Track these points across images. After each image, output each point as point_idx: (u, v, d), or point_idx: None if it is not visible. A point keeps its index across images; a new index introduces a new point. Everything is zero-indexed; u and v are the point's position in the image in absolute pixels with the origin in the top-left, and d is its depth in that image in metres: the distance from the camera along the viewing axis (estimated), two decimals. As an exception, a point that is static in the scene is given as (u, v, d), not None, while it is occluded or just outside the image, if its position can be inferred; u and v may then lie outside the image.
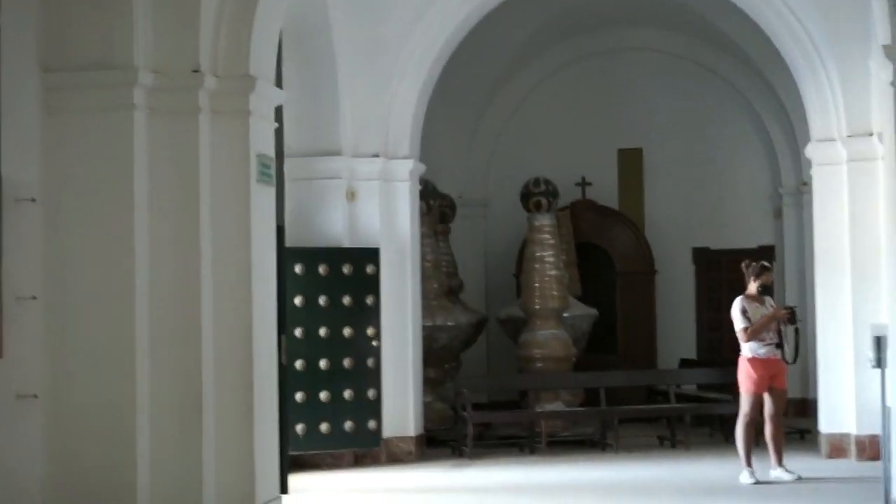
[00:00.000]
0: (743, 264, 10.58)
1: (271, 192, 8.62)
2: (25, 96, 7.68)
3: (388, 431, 11.66)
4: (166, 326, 7.96)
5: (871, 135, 11.03)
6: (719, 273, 15.22)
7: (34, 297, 7.63)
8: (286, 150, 11.28)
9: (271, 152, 8.61)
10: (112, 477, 7.78)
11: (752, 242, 15.16)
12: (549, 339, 13.06)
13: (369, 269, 11.47)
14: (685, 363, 14.60)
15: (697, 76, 15.56)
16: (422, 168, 12.34)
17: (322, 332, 11.24)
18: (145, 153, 7.95)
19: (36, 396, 7.61)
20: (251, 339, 8.21)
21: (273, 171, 8.62)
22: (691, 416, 12.76)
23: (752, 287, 10.36)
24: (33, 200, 7.65)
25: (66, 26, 7.85)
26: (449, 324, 13.11)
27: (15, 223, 7.48)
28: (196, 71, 8.05)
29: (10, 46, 7.38)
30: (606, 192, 15.48)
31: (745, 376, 10.24)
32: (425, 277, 12.67)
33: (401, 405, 11.81)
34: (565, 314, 13.33)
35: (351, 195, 11.72)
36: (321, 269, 11.28)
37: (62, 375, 7.77)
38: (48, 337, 7.75)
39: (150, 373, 7.90)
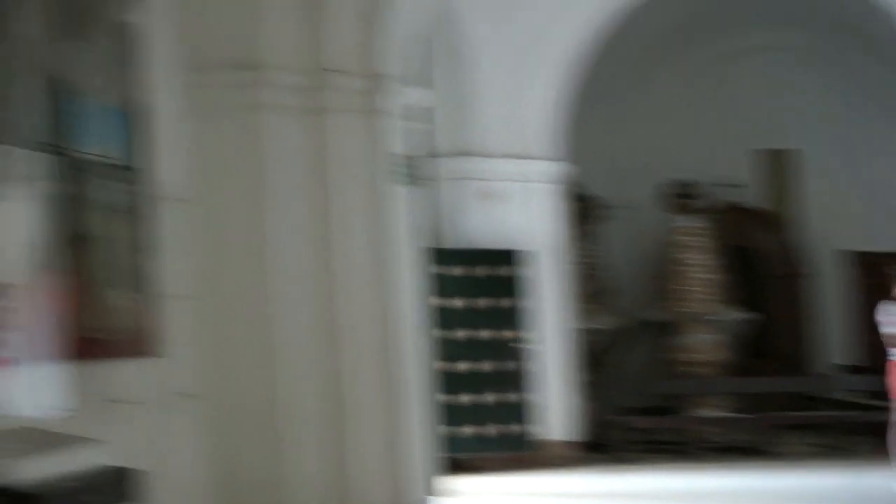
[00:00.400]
0: (892, 269, 10.35)
1: (407, 191, 8.65)
2: (172, 96, 7.80)
3: (543, 435, 11.62)
4: (305, 326, 7.99)
5: None
6: (873, 277, 14.83)
7: (187, 296, 7.76)
8: (428, 149, 11.36)
9: (406, 151, 8.65)
10: (262, 476, 7.85)
11: (908, 245, 14.80)
12: (701, 344, 12.92)
13: (515, 270, 11.44)
14: (840, 368, 14.28)
15: (844, 75, 15.21)
16: (567, 169, 12.29)
17: (468, 333, 11.26)
18: (278, 152, 7.97)
19: (193, 395, 7.73)
20: (390, 340, 8.21)
21: (408, 171, 8.65)
22: (851, 423, 12.49)
23: (899, 292, 10.13)
24: (181, 200, 7.79)
25: (204, 25, 7.90)
26: (595, 327, 13.05)
27: (167, 222, 7.62)
28: (328, 70, 8.07)
29: (156, 47, 7.51)
30: (754, 193, 15.23)
31: (896, 382, 10.01)
32: (570, 280, 12.62)
33: (556, 409, 11.76)
34: (716, 318, 13.16)
35: (492, 196, 11.75)
36: (465, 271, 11.29)
37: (215, 374, 7.76)
38: (201, 336, 7.87)
39: (293, 373, 7.92)
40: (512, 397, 11.34)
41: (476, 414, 11.21)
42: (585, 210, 13.67)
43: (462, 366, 11.23)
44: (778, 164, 15.45)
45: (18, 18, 6.28)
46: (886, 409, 10.77)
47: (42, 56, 6.46)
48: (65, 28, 6.64)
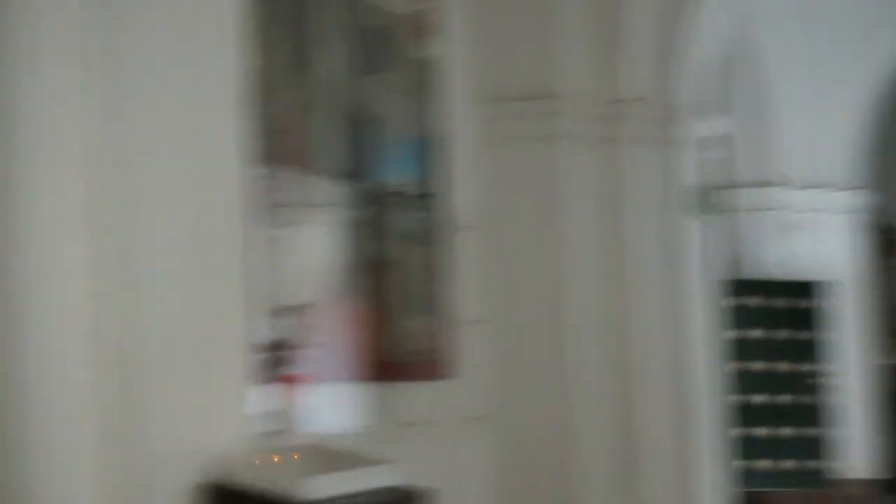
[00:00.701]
0: None
1: (703, 222, 8.56)
2: (467, 126, 7.95)
3: (843, 472, 11.26)
4: (597, 354, 7.95)
5: None
6: None
7: (480, 322, 7.89)
8: (725, 180, 11.20)
9: (702, 181, 8.57)
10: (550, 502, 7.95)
11: None
12: None
13: (815, 302, 11.17)
14: None
15: None
16: (872, 199, 11.91)
17: (765, 366, 11.03)
18: (571, 183, 7.98)
19: (484, 419, 7.87)
20: (683, 370, 8.13)
21: (704, 201, 8.58)
22: None
23: None
24: (475, 227, 7.93)
25: (500, 57, 7.99)
26: (896, 363, 12.61)
27: (461, 249, 7.79)
28: (623, 99, 8.06)
29: (452, 78, 7.71)
30: None
31: None
32: (873, 314, 12.20)
33: (857, 445, 11.40)
34: None
35: (792, 227, 11.50)
36: (763, 302, 11.05)
37: (505, 399, 7.86)
38: (492, 361, 7.89)
39: (583, 400, 7.89)
40: (810, 432, 11.03)
41: (772, 448, 10.95)
42: (890, 241, 13.19)
43: (758, 398, 11.00)
44: None
45: (323, 55, 6.59)
46: None
47: (344, 89, 6.74)
48: (366, 62, 6.93)
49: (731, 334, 10.84)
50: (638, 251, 8.10)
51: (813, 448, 10.99)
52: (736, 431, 10.57)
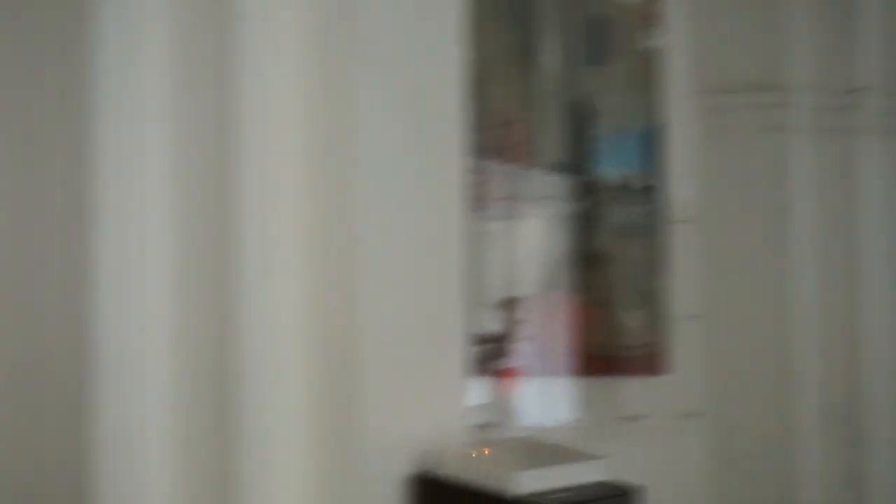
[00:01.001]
0: None
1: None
2: (687, 118, 7.86)
3: None
4: (820, 350, 7.75)
5: None
6: None
7: (697, 315, 7.80)
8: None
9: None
10: (766, 500, 7.80)
11: None
12: None
13: None
14: None
15: None
16: None
17: None
18: (797, 175, 7.81)
19: (698, 416, 7.77)
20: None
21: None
22: None
23: None
24: (694, 220, 7.82)
25: (723, 47, 7.87)
26: None
27: (678, 243, 7.70)
28: (853, 90, 7.92)
29: (672, 69, 7.60)
30: None
31: None
32: None
33: None
34: None
35: None
36: None
37: (722, 396, 7.74)
38: (709, 356, 7.83)
39: (806, 401, 7.74)
40: None
41: None
42: None
43: None
44: None
45: (545, 46, 6.59)
46: None
47: (565, 81, 6.73)
48: (587, 53, 6.90)
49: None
50: (868, 246, 7.88)
51: None
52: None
